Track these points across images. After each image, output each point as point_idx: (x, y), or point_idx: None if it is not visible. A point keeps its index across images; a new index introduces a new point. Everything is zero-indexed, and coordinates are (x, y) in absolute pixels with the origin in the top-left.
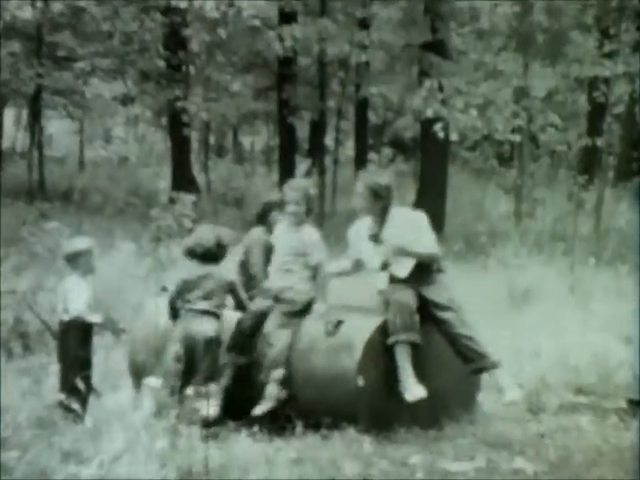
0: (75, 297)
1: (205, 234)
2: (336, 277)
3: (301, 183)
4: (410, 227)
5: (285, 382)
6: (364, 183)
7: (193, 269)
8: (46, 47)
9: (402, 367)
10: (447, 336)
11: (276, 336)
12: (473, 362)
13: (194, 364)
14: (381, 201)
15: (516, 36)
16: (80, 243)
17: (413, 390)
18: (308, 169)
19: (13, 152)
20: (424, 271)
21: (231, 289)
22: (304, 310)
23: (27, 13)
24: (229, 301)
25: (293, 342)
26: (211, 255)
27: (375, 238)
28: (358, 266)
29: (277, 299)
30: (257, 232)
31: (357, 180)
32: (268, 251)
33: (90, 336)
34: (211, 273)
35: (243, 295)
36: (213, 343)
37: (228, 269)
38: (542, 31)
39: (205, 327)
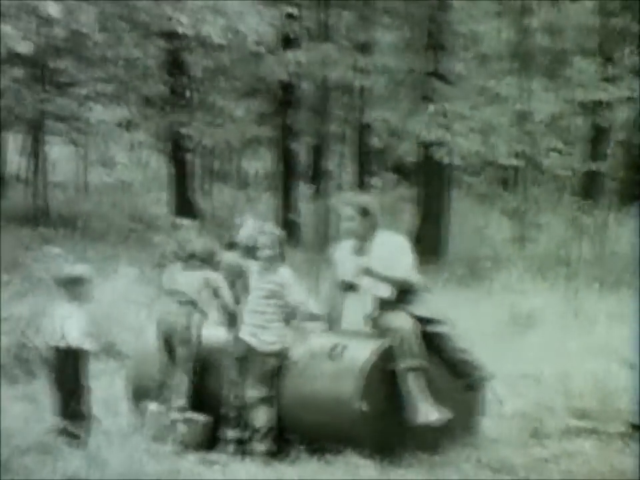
0: (71, 325)
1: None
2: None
3: (271, 227)
4: (389, 251)
5: (286, 407)
6: (350, 202)
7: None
8: (48, 73)
9: (415, 393)
10: (441, 350)
11: (256, 413)
12: (468, 376)
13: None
14: (368, 219)
15: (517, 59)
16: (76, 270)
17: (427, 413)
18: (310, 194)
19: (16, 178)
20: (408, 294)
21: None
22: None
23: (26, 48)
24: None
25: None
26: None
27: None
28: (347, 288)
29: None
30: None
31: (342, 203)
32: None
33: (86, 362)
34: None
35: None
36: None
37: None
38: (542, 52)
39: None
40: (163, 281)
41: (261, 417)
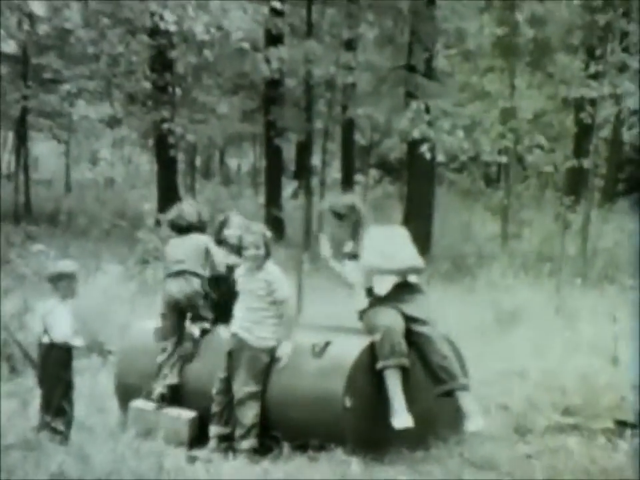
0: (58, 321)
1: (187, 208)
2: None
3: (259, 227)
4: (388, 243)
5: (271, 404)
6: (324, 206)
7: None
8: (32, 69)
9: (392, 393)
10: (422, 352)
11: (245, 409)
12: (443, 383)
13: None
14: (345, 220)
15: (501, 55)
16: (63, 266)
17: (402, 418)
18: (294, 191)
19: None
20: (404, 289)
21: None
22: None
23: (10, 47)
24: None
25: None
26: (193, 228)
27: (354, 257)
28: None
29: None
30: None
31: (323, 208)
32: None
33: (70, 358)
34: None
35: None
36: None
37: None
38: (526, 49)
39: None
40: (165, 251)
41: (249, 413)
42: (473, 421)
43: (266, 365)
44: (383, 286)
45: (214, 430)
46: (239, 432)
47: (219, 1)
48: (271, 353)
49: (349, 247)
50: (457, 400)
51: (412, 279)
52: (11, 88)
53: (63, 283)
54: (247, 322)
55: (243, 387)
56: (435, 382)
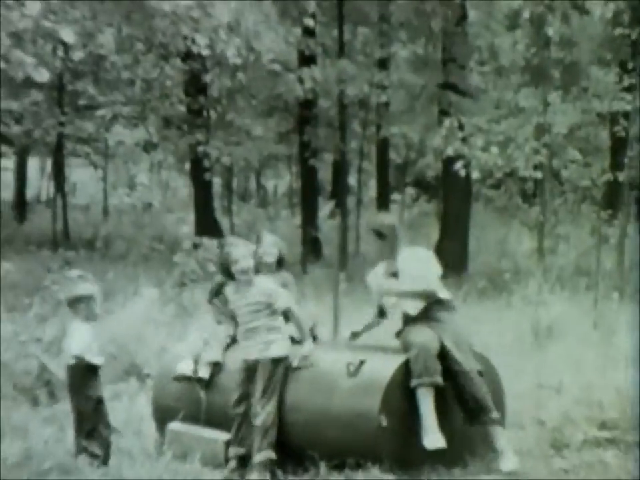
0: (73, 340)
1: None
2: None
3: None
4: (415, 265)
5: (307, 423)
6: (367, 225)
7: None
8: (67, 96)
9: (424, 411)
10: (456, 379)
11: (260, 404)
12: (474, 414)
13: None
14: (386, 240)
15: (534, 71)
16: (81, 289)
17: (433, 438)
18: (331, 211)
19: (37, 201)
20: (434, 308)
21: None
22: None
23: (43, 77)
24: None
25: (313, 382)
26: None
27: (394, 275)
28: (382, 314)
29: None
30: None
31: (364, 227)
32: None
33: (96, 377)
34: None
35: None
36: None
37: None
38: (559, 64)
39: None
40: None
41: (266, 428)
42: (508, 460)
43: (281, 376)
44: (413, 306)
45: (232, 451)
46: (255, 445)
47: (250, 23)
48: (285, 363)
49: (387, 269)
50: (490, 436)
51: (443, 294)
52: (47, 115)
53: (82, 306)
54: (252, 342)
55: (258, 403)
56: (466, 412)
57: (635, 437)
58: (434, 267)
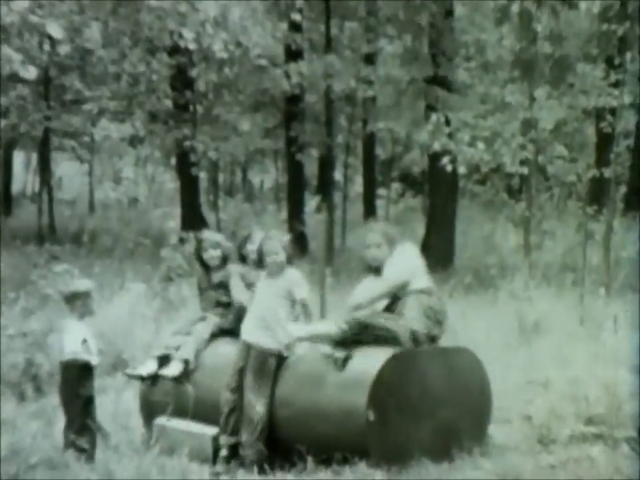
0: (69, 338)
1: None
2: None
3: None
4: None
5: (295, 418)
6: (379, 231)
7: None
8: (54, 90)
9: None
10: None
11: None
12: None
13: None
14: (391, 246)
15: (521, 66)
16: (78, 285)
17: None
18: (317, 206)
19: (22, 195)
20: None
21: None
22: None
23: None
24: None
25: (301, 377)
26: None
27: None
28: None
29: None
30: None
31: (370, 231)
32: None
33: (88, 376)
34: None
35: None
36: None
37: None
38: (546, 59)
39: None
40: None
41: (256, 418)
42: None
43: (273, 369)
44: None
45: (223, 439)
46: (245, 437)
47: (237, 17)
48: (279, 358)
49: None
50: None
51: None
52: (34, 109)
53: (78, 302)
54: (259, 326)
55: (250, 391)
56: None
57: (625, 433)
58: (408, 258)
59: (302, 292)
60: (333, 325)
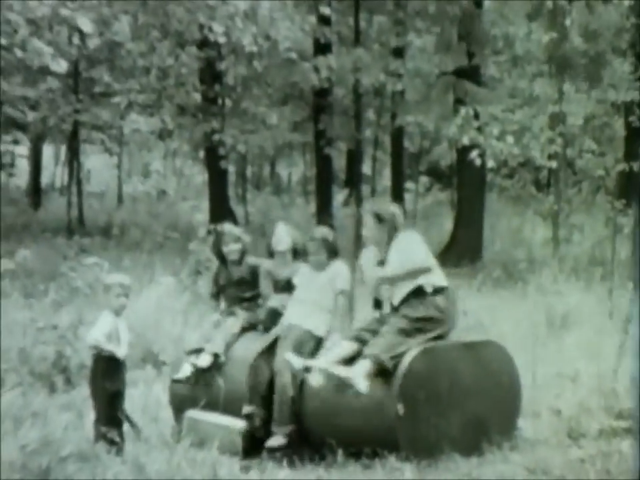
0: (95, 328)
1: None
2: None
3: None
4: (403, 248)
5: (325, 412)
6: (368, 209)
7: None
8: (83, 83)
9: None
10: None
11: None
12: None
13: None
14: (384, 225)
15: (552, 62)
16: (119, 278)
17: None
18: (345, 199)
19: (52, 188)
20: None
21: None
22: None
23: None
24: None
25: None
26: None
27: (382, 264)
28: (377, 305)
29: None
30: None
31: (364, 211)
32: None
33: (117, 369)
34: None
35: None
36: None
37: None
38: (575, 53)
39: None
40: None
41: (288, 393)
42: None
43: (311, 350)
44: (397, 296)
45: (253, 410)
46: (277, 414)
47: (266, 11)
48: (318, 342)
49: (379, 257)
50: None
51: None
52: (63, 102)
53: (114, 294)
54: (304, 312)
55: (283, 367)
56: None
57: None
58: (420, 244)
59: (344, 283)
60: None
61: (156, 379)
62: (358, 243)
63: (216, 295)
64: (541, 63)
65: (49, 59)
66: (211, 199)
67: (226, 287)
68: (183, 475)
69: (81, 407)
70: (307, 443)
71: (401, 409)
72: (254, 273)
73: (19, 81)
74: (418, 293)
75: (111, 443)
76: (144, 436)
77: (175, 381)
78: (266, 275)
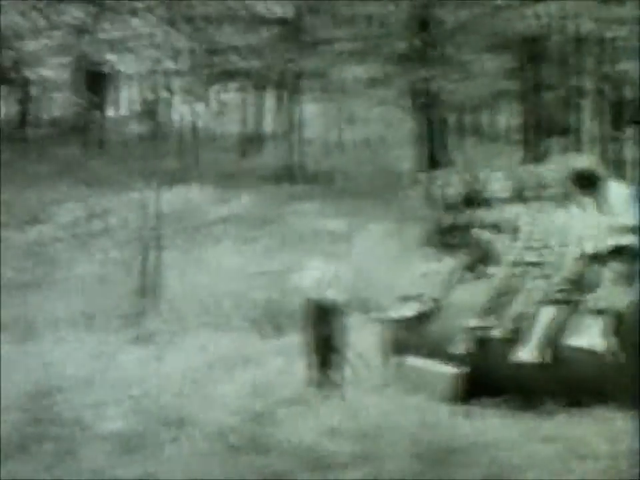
0: (306, 276)
1: None
2: None
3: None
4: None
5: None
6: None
7: None
8: (300, 32)
9: None
10: None
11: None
12: None
13: None
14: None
15: None
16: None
17: None
18: (559, 149)
19: (272, 135)
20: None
21: None
22: None
23: (286, 10)
24: None
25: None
26: None
27: None
28: None
29: None
30: None
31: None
32: None
33: (330, 314)
34: None
35: None
36: None
37: None
38: None
39: None
40: None
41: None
42: None
43: None
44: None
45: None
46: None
47: None
48: None
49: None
50: None
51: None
52: (283, 49)
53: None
54: None
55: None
56: None
57: None
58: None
59: None
60: None
61: (365, 325)
62: None
63: (432, 241)
64: None
65: (273, 4)
66: (418, 146)
67: (446, 231)
68: (393, 420)
69: (291, 352)
70: (519, 392)
71: (622, 357)
72: (470, 219)
73: (240, 29)
74: None
75: (329, 387)
76: (359, 381)
77: (393, 321)
78: (483, 222)
